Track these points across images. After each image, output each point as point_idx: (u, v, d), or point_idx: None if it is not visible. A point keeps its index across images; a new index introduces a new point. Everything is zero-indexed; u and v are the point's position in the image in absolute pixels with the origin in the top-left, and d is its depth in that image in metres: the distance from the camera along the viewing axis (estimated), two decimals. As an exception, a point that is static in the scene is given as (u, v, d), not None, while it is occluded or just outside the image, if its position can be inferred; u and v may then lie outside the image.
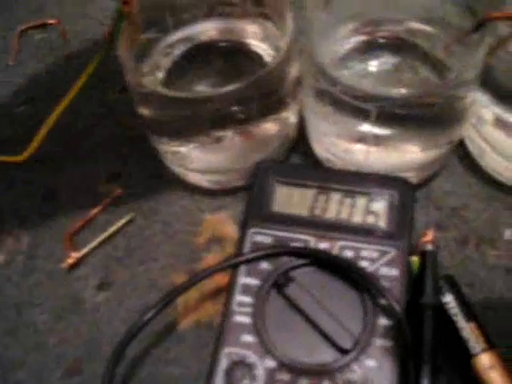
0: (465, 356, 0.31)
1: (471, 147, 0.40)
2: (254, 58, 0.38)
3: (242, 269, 0.32)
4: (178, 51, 0.39)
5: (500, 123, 0.36)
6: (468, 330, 0.31)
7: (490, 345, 0.31)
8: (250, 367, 0.30)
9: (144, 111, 0.35)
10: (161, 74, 0.38)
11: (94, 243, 0.38)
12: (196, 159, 0.37)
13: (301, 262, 0.32)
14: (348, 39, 0.38)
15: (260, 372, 0.29)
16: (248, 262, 0.32)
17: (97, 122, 0.44)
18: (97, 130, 0.44)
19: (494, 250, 0.36)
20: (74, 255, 0.37)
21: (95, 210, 0.39)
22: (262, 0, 0.36)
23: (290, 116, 0.38)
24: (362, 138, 0.34)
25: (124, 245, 0.38)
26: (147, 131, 0.37)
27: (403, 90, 0.30)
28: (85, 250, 0.38)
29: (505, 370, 0.30)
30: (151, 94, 0.33)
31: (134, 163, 0.42)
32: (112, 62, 0.34)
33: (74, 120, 0.44)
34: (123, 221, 0.39)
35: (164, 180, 0.41)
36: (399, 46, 0.38)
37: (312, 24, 0.33)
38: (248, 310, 0.31)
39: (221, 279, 0.35)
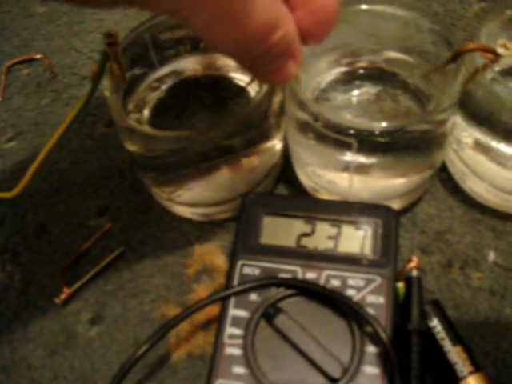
0: (452, 379, 0.31)
1: (453, 171, 0.41)
2: (238, 91, 0.39)
3: (232, 301, 0.33)
4: (163, 87, 0.39)
5: (479, 147, 0.37)
6: (455, 354, 0.32)
7: (477, 367, 0.31)
8: (242, 399, 0.30)
9: (130, 147, 0.36)
10: (147, 111, 0.38)
11: (86, 278, 0.38)
12: (183, 193, 0.38)
13: (289, 292, 0.33)
14: (329, 71, 0.39)
15: (252, 403, 0.30)
16: (237, 294, 0.33)
17: (85, 156, 0.45)
18: (85, 163, 0.45)
19: (479, 273, 0.37)
20: (67, 290, 0.38)
21: (86, 245, 0.40)
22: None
23: (276, 145, 0.38)
24: (346, 168, 0.35)
25: (115, 278, 0.39)
26: (135, 166, 0.38)
27: (383, 123, 0.31)
28: (77, 285, 0.38)
29: (492, 391, 0.31)
30: (137, 133, 0.33)
31: (122, 196, 0.42)
32: (99, 96, 0.35)
33: (62, 154, 0.45)
34: (114, 254, 0.39)
35: (152, 212, 0.41)
36: (379, 75, 0.39)
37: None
38: (239, 341, 0.32)
39: (211, 310, 0.35)
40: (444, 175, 0.41)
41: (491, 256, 0.38)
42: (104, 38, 0.31)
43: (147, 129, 0.35)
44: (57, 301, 0.38)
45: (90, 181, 0.44)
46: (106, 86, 0.34)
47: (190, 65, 0.40)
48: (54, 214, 0.42)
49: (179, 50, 0.39)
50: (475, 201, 0.40)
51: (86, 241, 0.40)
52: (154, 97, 0.39)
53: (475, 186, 0.39)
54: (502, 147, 0.36)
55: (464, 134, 0.37)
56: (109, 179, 0.44)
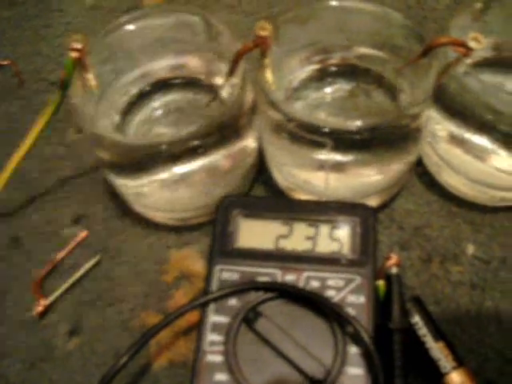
0: (436, 375, 0.31)
1: (428, 165, 0.41)
2: (210, 92, 0.38)
3: (211, 307, 0.32)
4: (132, 91, 0.39)
5: (454, 140, 0.37)
6: (437, 350, 0.32)
7: (460, 362, 0.31)
8: (225, 406, 0.30)
9: (102, 154, 0.35)
10: (117, 116, 0.37)
11: (62, 288, 0.38)
12: (158, 198, 0.37)
13: (268, 295, 0.32)
14: (300, 69, 0.38)
15: (235, 410, 0.30)
16: (216, 300, 0.32)
17: (57, 164, 0.44)
18: (58, 171, 0.44)
19: (458, 266, 0.37)
20: (43, 302, 0.37)
21: (61, 255, 0.39)
22: (215, 36, 0.37)
23: (250, 145, 0.38)
24: (321, 167, 0.34)
25: (92, 288, 0.38)
26: (106, 173, 0.37)
27: (358, 122, 0.30)
28: (53, 296, 0.37)
29: (475, 385, 0.31)
30: (106, 140, 0.33)
31: (96, 204, 0.42)
32: (69, 101, 0.34)
33: (33, 163, 0.44)
34: (90, 263, 0.39)
35: (128, 219, 0.41)
36: (351, 72, 0.39)
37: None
38: (220, 348, 0.31)
39: (191, 317, 0.35)
40: (420, 169, 0.41)
41: (470, 249, 0.38)
42: (70, 43, 0.31)
43: (117, 136, 0.34)
44: (33, 313, 0.37)
45: (63, 188, 0.43)
46: (73, 92, 0.33)
47: (160, 67, 0.39)
48: (27, 224, 0.41)
49: (148, 52, 0.38)
50: (452, 194, 0.40)
51: (61, 250, 0.39)
52: (123, 101, 0.38)
53: (451, 179, 0.39)
54: (477, 139, 0.36)
55: (438, 127, 0.37)
56: (82, 186, 0.43)
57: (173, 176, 0.36)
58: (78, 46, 0.32)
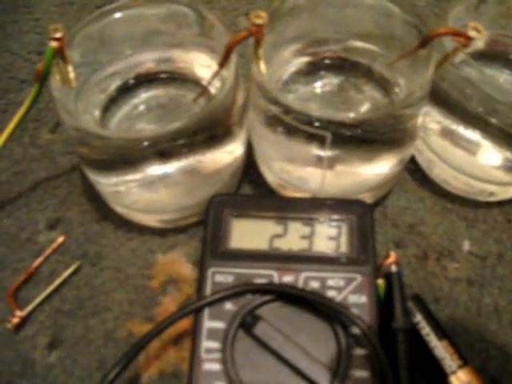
0: (441, 374, 0.30)
1: (420, 160, 0.40)
2: (197, 87, 0.36)
3: (206, 312, 0.31)
4: (113, 86, 0.36)
5: (446, 133, 0.36)
6: (441, 349, 0.31)
7: (464, 361, 0.30)
8: (225, 416, 0.28)
9: (81, 150, 0.33)
10: (97, 112, 0.35)
11: (40, 298, 0.35)
12: (140, 198, 0.35)
13: (266, 298, 0.31)
14: (291, 62, 0.37)
15: (237, 420, 0.28)
16: (211, 304, 0.31)
17: (30, 166, 0.41)
18: (30, 174, 0.41)
19: (455, 263, 0.36)
20: (19, 314, 0.34)
21: (37, 262, 0.37)
22: (208, 30, 0.35)
23: (238, 145, 0.36)
24: (318, 162, 0.33)
25: (73, 296, 0.36)
26: (86, 171, 0.35)
27: (360, 115, 0.29)
28: (30, 307, 0.35)
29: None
30: (88, 134, 0.30)
31: (74, 207, 0.39)
32: (41, 100, 0.32)
33: (4, 165, 0.41)
34: (69, 270, 0.36)
35: (109, 222, 0.38)
36: (342, 65, 0.37)
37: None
38: (217, 355, 0.29)
39: (181, 324, 0.33)
40: (412, 166, 0.40)
41: (466, 245, 0.37)
42: (50, 32, 0.29)
43: (100, 130, 0.32)
44: (9, 326, 0.34)
45: (36, 192, 0.40)
46: (53, 85, 0.31)
47: (142, 61, 0.37)
48: (0, 232, 0.39)
49: (130, 45, 0.36)
50: (445, 190, 0.39)
51: (36, 258, 0.37)
52: (104, 96, 0.36)
53: (443, 174, 0.39)
54: (469, 133, 0.35)
55: (430, 120, 0.37)
56: (57, 189, 0.40)
57: (152, 175, 0.33)
58: (58, 35, 0.30)
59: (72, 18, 0.51)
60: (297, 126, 0.30)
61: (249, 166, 0.39)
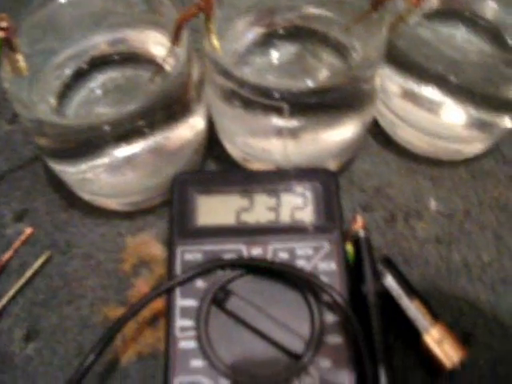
0: (414, 334, 0.31)
1: (383, 123, 0.40)
2: (152, 66, 0.36)
3: (178, 291, 0.31)
4: (67, 71, 0.36)
5: (407, 95, 0.36)
6: (413, 309, 0.31)
7: (436, 319, 0.31)
8: (204, 393, 0.28)
9: (41, 141, 0.32)
10: (53, 100, 0.35)
11: (12, 291, 0.35)
12: (105, 183, 0.35)
13: (236, 273, 0.31)
14: (245, 34, 0.37)
15: (216, 395, 0.28)
16: (182, 283, 0.31)
17: (-9, 159, 0.41)
18: (-8, 167, 0.41)
19: (422, 223, 0.37)
20: (-8, 308, 0.34)
21: (7, 256, 0.36)
22: (156, 7, 0.34)
23: (199, 120, 0.36)
24: (278, 133, 0.33)
25: (45, 287, 0.35)
26: (49, 162, 0.34)
27: (315, 83, 0.29)
28: (4, 301, 0.35)
29: (454, 339, 0.30)
30: (45, 124, 0.30)
31: (39, 197, 0.39)
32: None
33: (-36, 161, 0.41)
34: (40, 261, 0.36)
35: (76, 209, 0.38)
36: (297, 33, 0.37)
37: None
38: (192, 333, 0.30)
39: (155, 304, 0.33)
40: (375, 129, 0.40)
41: (432, 204, 0.37)
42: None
43: (56, 119, 0.32)
44: (-18, 321, 0.34)
45: (0, 185, 0.40)
46: (3, 77, 0.30)
47: (95, 44, 0.36)
48: (-35, 227, 0.38)
49: (81, 28, 0.35)
50: (409, 151, 0.39)
51: (5, 251, 0.36)
52: (58, 83, 0.35)
53: (407, 135, 0.39)
54: (430, 93, 0.35)
55: (390, 83, 0.37)
56: (22, 180, 0.40)
57: (117, 159, 0.33)
58: (4, 24, 0.29)
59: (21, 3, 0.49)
60: (253, 99, 0.30)
61: (213, 143, 0.39)
